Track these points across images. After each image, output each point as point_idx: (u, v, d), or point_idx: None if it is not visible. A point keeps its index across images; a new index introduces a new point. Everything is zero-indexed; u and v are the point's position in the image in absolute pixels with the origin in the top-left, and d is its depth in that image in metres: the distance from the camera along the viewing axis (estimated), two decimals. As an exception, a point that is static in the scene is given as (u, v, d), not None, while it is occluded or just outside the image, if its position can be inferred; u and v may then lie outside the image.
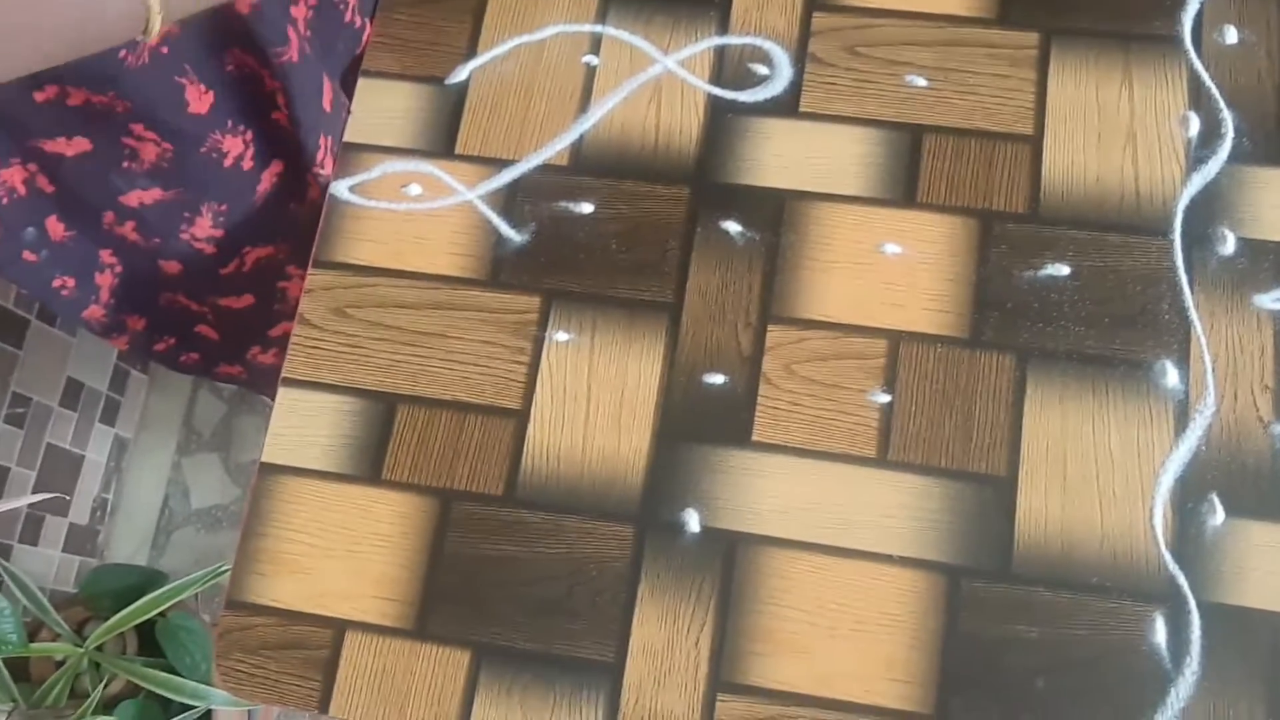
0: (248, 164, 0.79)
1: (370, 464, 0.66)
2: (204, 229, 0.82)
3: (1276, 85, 0.68)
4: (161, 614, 1.11)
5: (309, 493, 0.66)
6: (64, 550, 1.37)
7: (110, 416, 1.42)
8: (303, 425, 0.67)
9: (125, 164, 0.75)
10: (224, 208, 0.81)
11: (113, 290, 0.87)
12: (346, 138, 0.72)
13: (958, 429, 0.64)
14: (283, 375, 0.68)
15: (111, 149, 0.73)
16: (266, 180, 0.82)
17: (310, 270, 0.69)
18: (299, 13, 0.74)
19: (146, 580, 1.17)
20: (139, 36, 0.51)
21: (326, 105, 0.79)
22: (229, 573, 0.67)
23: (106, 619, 1.11)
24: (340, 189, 0.71)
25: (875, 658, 0.60)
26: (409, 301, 0.69)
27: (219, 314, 0.95)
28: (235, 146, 0.76)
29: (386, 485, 0.65)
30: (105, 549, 1.45)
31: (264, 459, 0.67)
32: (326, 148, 0.82)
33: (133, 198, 0.77)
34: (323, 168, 0.82)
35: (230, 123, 0.75)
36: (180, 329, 0.96)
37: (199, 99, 0.71)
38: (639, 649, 0.61)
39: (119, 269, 0.86)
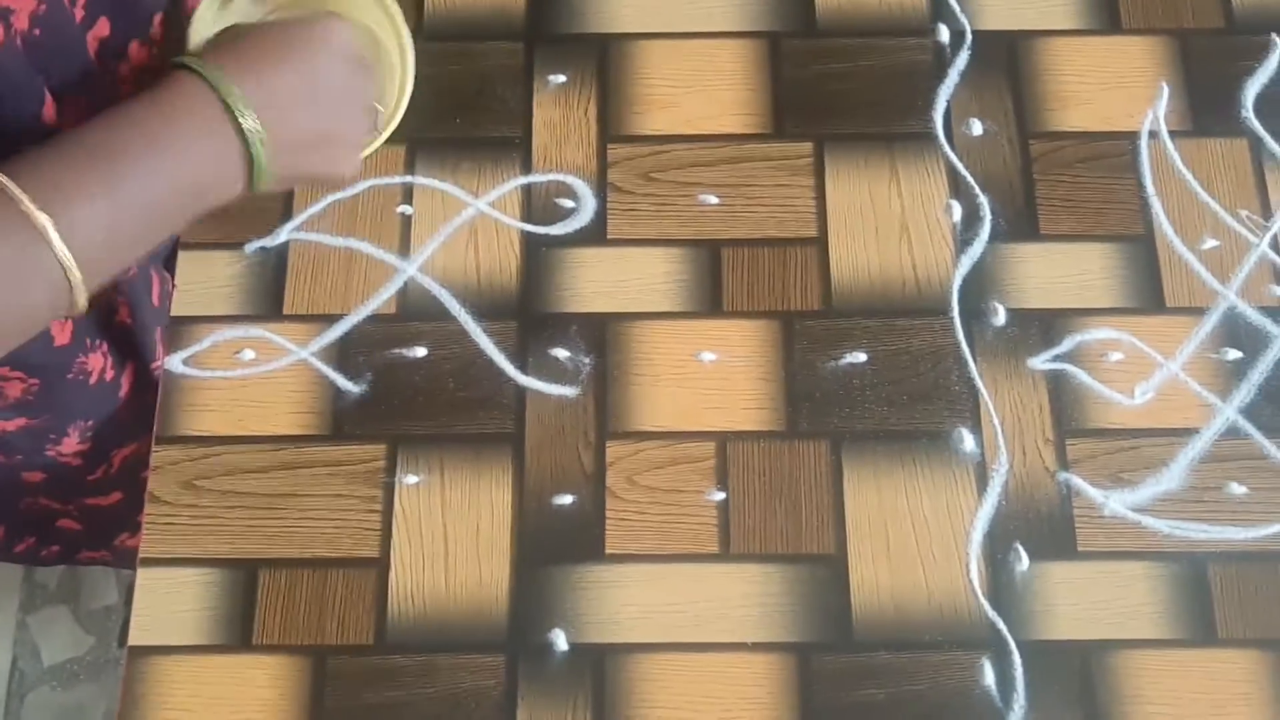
0: (109, 374, 0.78)
1: (240, 632, 0.67)
2: (71, 445, 0.81)
3: (1019, 168, 0.77)
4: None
5: (182, 670, 0.67)
6: (-90, 734, 1.30)
7: (-57, 585, 1.36)
8: (166, 603, 0.68)
9: None
10: (90, 423, 0.81)
11: None
12: (174, 311, 0.74)
13: (788, 515, 0.70)
14: (140, 556, 0.69)
15: None
16: (125, 383, 0.82)
17: (154, 448, 0.71)
18: None
19: (8, 756, 1.13)
20: (65, 314, 0.50)
21: (155, 300, 0.80)
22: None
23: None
24: (174, 363, 0.72)
25: (743, 742, 0.65)
26: (257, 466, 0.70)
27: (85, 511, 0.93)
28: (97, 362, 0.76)
29: (259, 650, 0.67)
30: (-46, 724, 1.39)
31: (131, 642, 0.67)
32: (160, 340, 0.82)
33: None
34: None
35: (88, 341, 0.75)
36: (40, 528, 0.94)
37: (61, 330, 0.71)
38: (525, 771, 0.65)
39: None
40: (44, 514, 0.92)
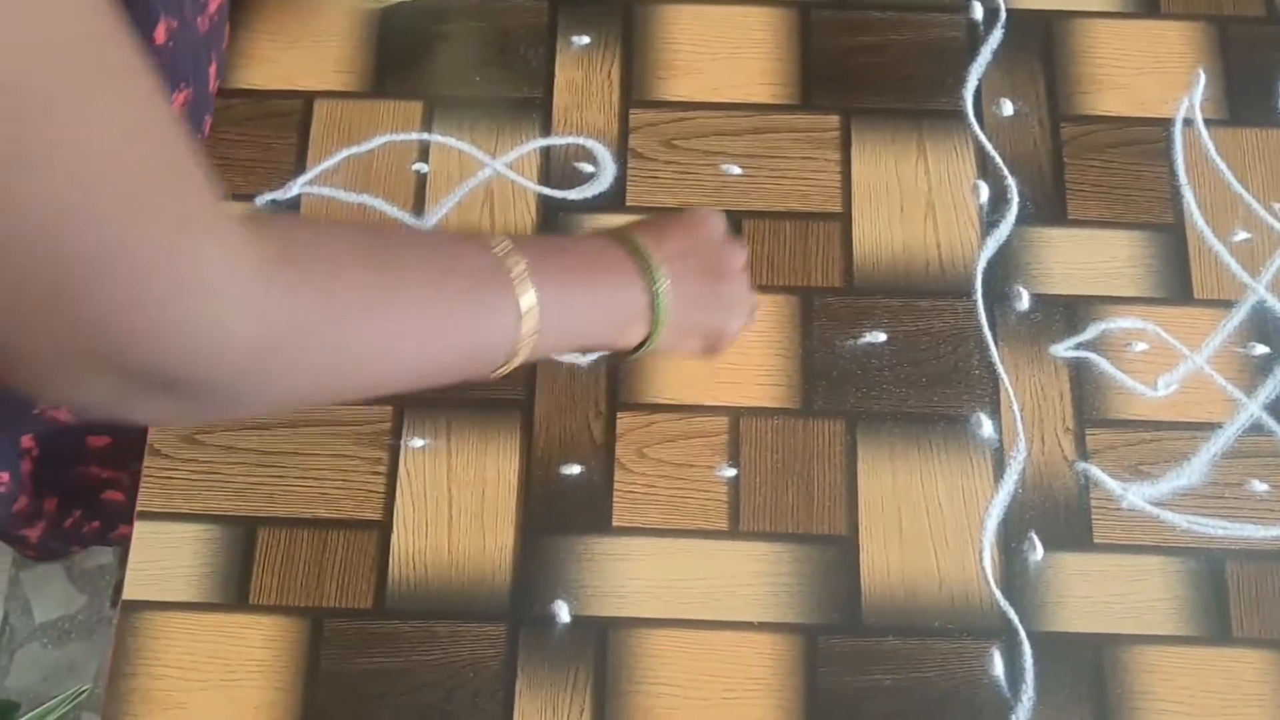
0: None
1: (236, 590, 0.66)
2: None
3: (1050, 151, 0.75)
4: (17, 745, 1.07)
5: (176, 626, 0.65)
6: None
7: (-64, 536, 1.35)
8: (163, 558, 0.66)
9: None
10: None
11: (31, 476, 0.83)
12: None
13: (800, 494, 0.68)
14: (138, 509, 0.67)
15: None
16: None
17: (156, 399, 0.69)
18: None
19: (-4, 710, 1.12)
20: (480, 380, 0.52)
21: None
22: (88, 694, 0.66)
23: (-44, 758, 1.06)
24: (179, 314, 0.71)
25: (746, 722, 0.64)
26: (260, 422, 0.69)
27: (135, 479, 0.92)
28: None
29: (255, 610, 0.66)
30: (-57, 676, 1.38)
31: (125, 596, 0.66)
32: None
33: None
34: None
35: None
36: (88, 500, 0.93)
37: None
38: (522, 743, 0.64)
39: (36, 453, 0.82)
40: (93, 484, 0.91)
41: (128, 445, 0.85)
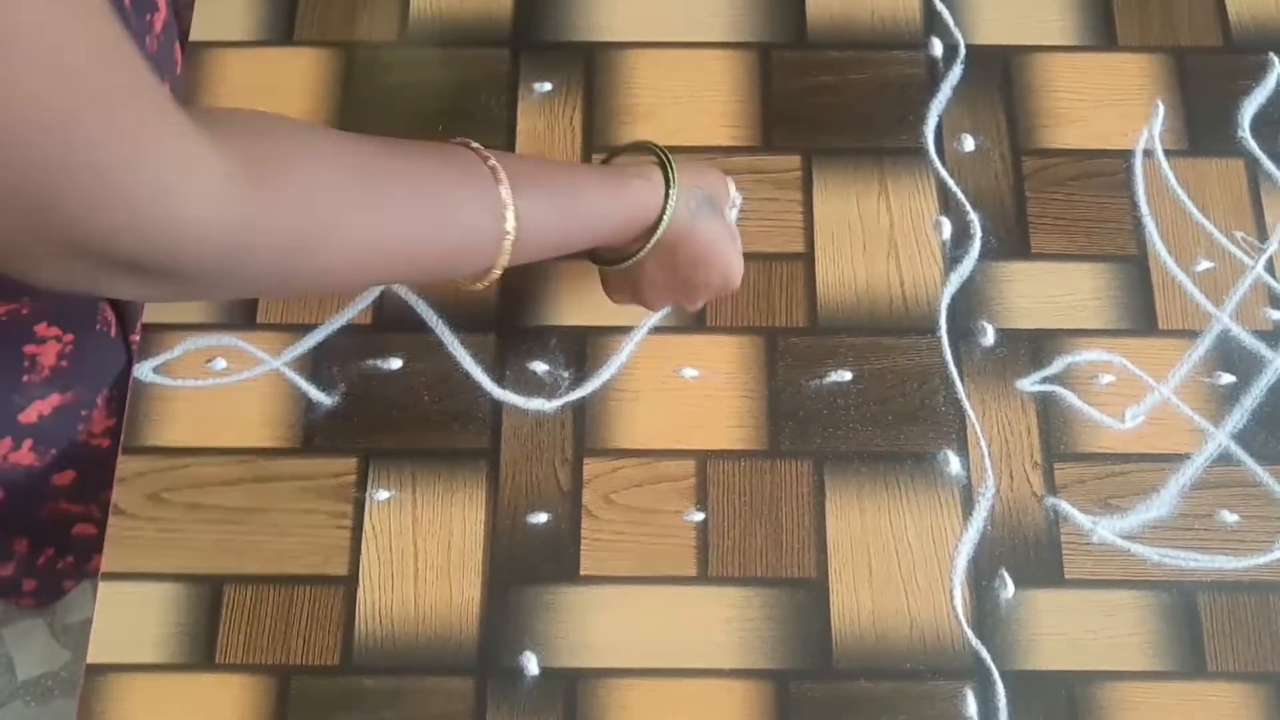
0: (113, 329, 0.76)
1: (202, 650, 0.65)
2: (100, 422, 0.79)
3: (1011, 185, 0.75)
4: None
5: (142, 689, 0.65)
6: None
7: (-82, 593, 1.34)
8: (128, 619, 0.66)
9: (25, 377, 0.71)
10: (115, 392, 0.79)
11: None
12: (146, 319, 0.72)
13: (768, 537, 0.68)
14: (102, 570, 0.67)
15: (12, 362, 0.70)
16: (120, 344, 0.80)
17: (120, 458, 0.69)
18: None
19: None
20: (478, 280, 0.56)
21: None
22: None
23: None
24: (144, 371, 0.71)
25: (718, 771, 0.64)
26: (225, 478, 0.69)
27: (105, 508, 0.91)
28: (107, 313, 0.75)
29: (222, 669, 0.65)
30: (-74, 735, 1.37)
31: (90, 660, 0.65)
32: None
33: (32, 412, 0.74)
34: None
35: None
36: (59, 536, 0.92)
37: None
38: (492, 798, 0.63)
39: (1, 495, 0.81)
40: (63, 520, 0.90)
41: (94, 479, 0.85)
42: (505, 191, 0.53)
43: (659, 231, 0.60)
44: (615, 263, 0.63)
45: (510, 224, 0.53)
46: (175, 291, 0.44)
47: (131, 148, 0.37)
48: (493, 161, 0.53)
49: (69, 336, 0.71)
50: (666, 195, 0.59)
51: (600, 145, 0.76)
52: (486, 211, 0.53)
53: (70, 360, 0.73)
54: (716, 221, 0.63)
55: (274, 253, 0.44)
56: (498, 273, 0.55)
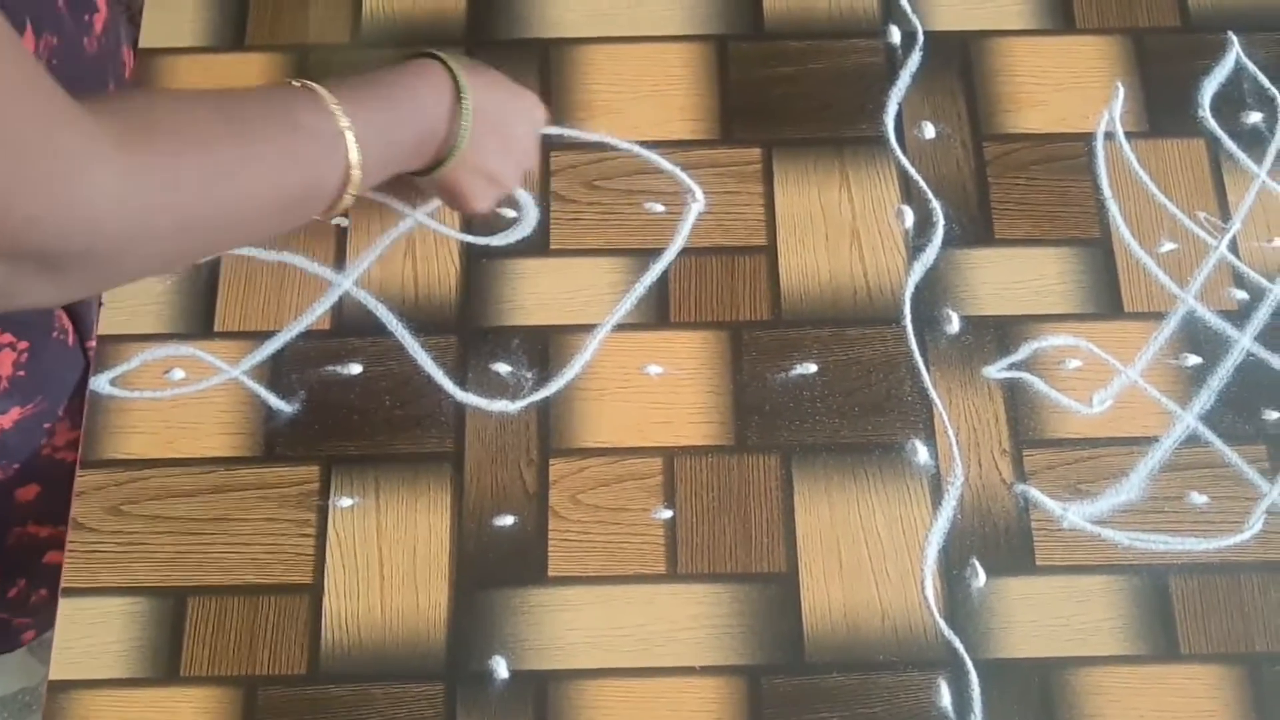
0: (71, 338, 0.75)
1: (167, 664, 0.64)
2: (63, 435, 0.78)
3: (973, 171, 0.75)
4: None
5: (105, 705, 0.64)
6: None
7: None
8: (90, 635, 0.65)
9: None
10: (76, 402, 0.77)
11: None
12: (101, 330, 0.71)
13: (737, 533, 0.67)
14: (62, 586, 0.66)
15: None
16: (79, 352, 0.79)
17: (79, 473, 0.68)
18: None
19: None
20: (332, 211, 0.59)
21: None
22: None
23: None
24: (101, 384, 0.70)
25: (692, 770, 0.63)
26: (186, 489, 0.68)
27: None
28: (63, 320, 0.74)
29: (188, 682, 0.64)
30: (-96, 756, 1.35)
31: (51, 676, 0.64)
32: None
33: None
34: None
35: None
36: (29, 566, 0.90)
37: None
38: (464, 804, 0.62)
39: None
40: (32, 547, 0.89)
41: (60, 495, 0.83)
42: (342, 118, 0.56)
43: (464, 118, 0.62)
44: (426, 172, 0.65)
45: (352, 147, 0.56)
46: (85, 280, 0.47)
47: (39, 137, 0.40)
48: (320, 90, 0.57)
49: (24, 344, 0.70)
50: (457, 88, 0.62)
51: (558, 142, 0.75)
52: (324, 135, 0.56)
53: (27, 370, 0.71)
54: (494, 103, 0.65)
55: (173, 211, 0.48)
56: (349, 198, 0.58)
